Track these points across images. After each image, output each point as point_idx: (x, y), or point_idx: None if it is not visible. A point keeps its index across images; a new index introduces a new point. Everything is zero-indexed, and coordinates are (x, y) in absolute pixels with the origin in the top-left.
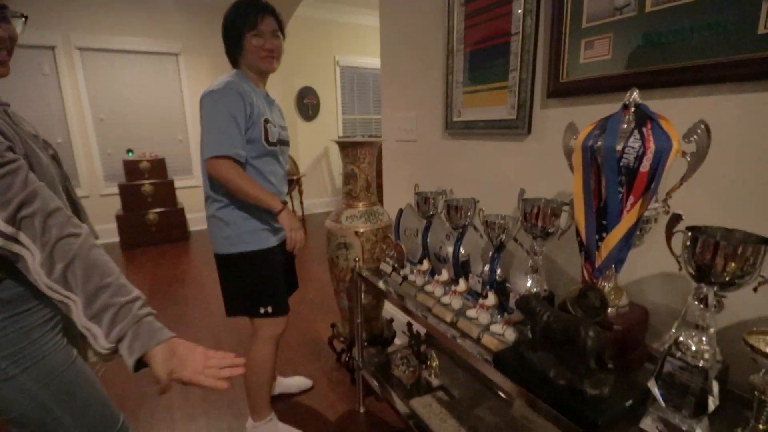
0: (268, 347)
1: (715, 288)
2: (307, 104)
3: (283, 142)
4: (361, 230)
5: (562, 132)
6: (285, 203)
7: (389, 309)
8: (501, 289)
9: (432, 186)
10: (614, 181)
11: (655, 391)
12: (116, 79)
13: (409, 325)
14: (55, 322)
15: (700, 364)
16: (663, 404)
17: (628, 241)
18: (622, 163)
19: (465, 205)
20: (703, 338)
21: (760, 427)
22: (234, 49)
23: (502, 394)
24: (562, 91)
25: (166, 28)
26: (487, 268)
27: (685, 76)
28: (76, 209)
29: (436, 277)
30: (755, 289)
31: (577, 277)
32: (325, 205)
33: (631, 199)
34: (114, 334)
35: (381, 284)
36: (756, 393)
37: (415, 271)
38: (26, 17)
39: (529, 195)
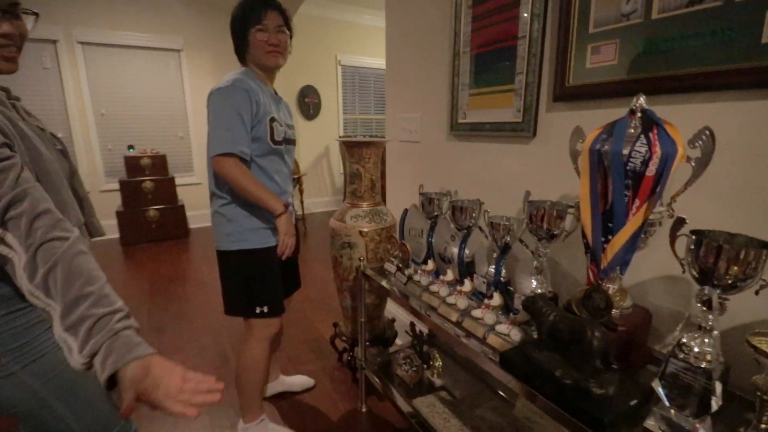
0: (260, 347)
1: (718, 291)
2: (309, 103)
3: (289, 141)
4: (366, 230)
5: (567, 135)
6: (287, 206)
7: (391, 309)
8: (505, 289)
9: (436, 187)
10: (620, 185)
11: (660, 390)
12: (118, 74)
13: (412, 325)
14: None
15: (703, 365)
16: (667, 404)
17: (633, 244)
18: (628, 167)
19: (470, 206)
20: (706, 340)
21: (762, 426)
22: (241, 46)
23: (505, 395)
24: (568, 95)
25: (169, 24)
26: (491, 268)
27: (689, 83)
28: (81, 205)
29: (441, 277)
30: (757, 292)
31: (580, 279)
32: (326, 204)
33: (637, 202)
34: (88, 348)
35: (385, 283)
36: (758, 393)
37: (419, 271)
38: (37, 14)
39: (534, 197)
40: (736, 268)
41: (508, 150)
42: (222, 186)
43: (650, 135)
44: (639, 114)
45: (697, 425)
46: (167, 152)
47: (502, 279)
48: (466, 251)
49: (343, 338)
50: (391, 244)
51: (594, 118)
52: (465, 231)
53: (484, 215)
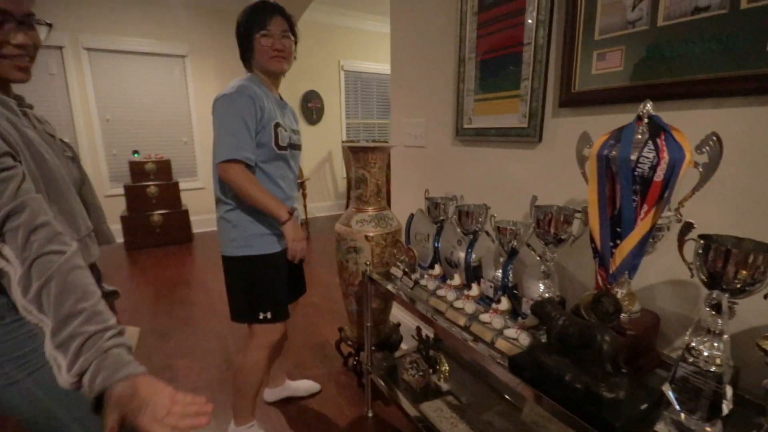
0: (261, 354)
1: (727, 295)
2: (312, 108)
3: (295, 146)
4: (371, 234)
5: (573, 140)
6: (292, 212)
7: (396, 313)
8: (512, 294)
9: (441, 191)
10: (629, 190)
11: (670, 394)
12: (123, 80)
13: (419, 329)
14: None
15: (713, 369)
16: (677, 408)
17: (642, 249)
18: (636, 173)
19: (476, 210)
20: (715, 344)
21: None
22: (246, 51)
23: (512, 399)
24: (573, 100)
25: (174, 31)
26: (498, 273)
27: (695, 89)
28: (91, 212)
29: (448, 281)
30: (766, 296)
31: (587, 283)
32: (329, 208)
33: (645, 207)
34: (77, 367)
35: (392, 288)
36: None
37: (426, 275)
38: (51, 25)
39: (540, 202)
40: (744, 272)
41: (513, 155)
42: (227, 192)
43: (658, 141)
44: (646, 120)
45: (708, 429)
46: (171, 157)
47: (509, 283)
48: (473, 256)
49: (349, 343)
50: (398, 249)
51: (600, 124)
52: (471, 235)
53: (491, 220)
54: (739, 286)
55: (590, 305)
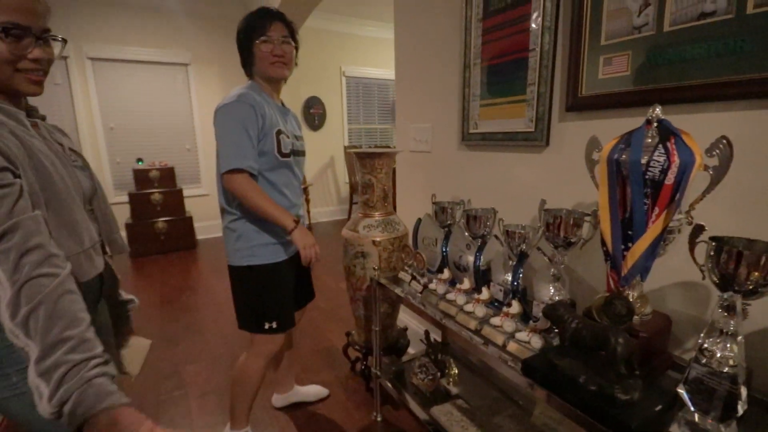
0: (260, 362)
1: (739, 296)
2: (314, 114)
3: (298, 153)
4: (379, 239)
5: (580, 144)
6: (298, 220)
7: (403, 318)
8: (522, 297)
9: (447, 196)
10: (640, 194)
11: (684, 395)
12: (127, 88)
13: (427, 333)
14: None
15: (726, 370)
16: (692, 408)
17: (653, 251)
18: (647, 176)
19: (484, 215)
20: (728, 344)
21: None
22: (246, 58)
23: (522, 402)
24: (580, 105)
25: (176, 39)
26: (508, 276)
27: (702, 93)
28: (102, 223)
29: (458, 285)
30: None
31: (596, 286)
32: (331, 213)
33: (656, 210)
34: (58, 397)
35: (400, 292)
36: None
37: (435, 280)
38: (65, 41)
39: (548, 205)
40: (756, 273)
41: (520, 159)
42: (231, 201)
43: (668, 144)
44: (655, 124)
45: (723, 430)
46: (175, 164)
47: (519, 287)
48: (482, 260)
49: (356, 347)
50: (406, 254)
51: (607, 128)
52: (480, 239)
53: (499, 224)
54: (751, 287)
55: (602, 308)
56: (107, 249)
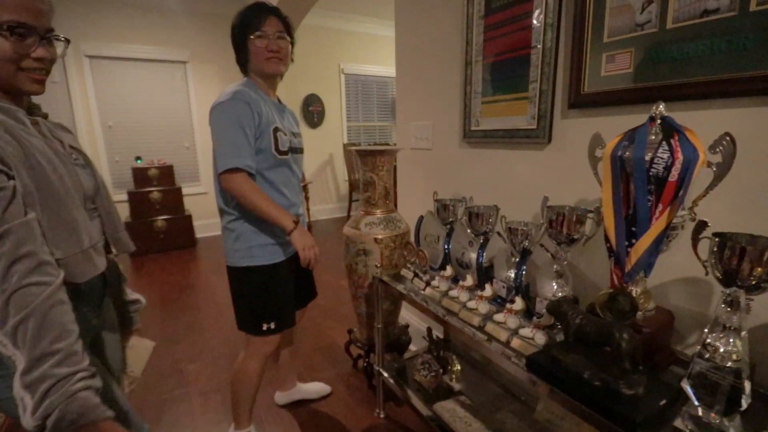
0: (256, 363)
1: (742, 291)
2: (313, 111)
3: (296, 150)
4: (380, 237)
5: (582, 141)
6: (297, 220)
7: (404, 315)
8: (525, 294)
9: (449, 193)
10: (644, 190)
11: (688, 390)
12: (125, 86)
13: (429, 330)
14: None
15: (730, 365)
16: (696, 403)
17: (657, 247)
18: (651, 173)
19: (487, 212)
20: (731, 339)
21: None
22: (241, 55)
23: (524, 398)
24: (583, 102)
25: (175, 37)
26: (511, 273)
27: (705, 90)
28: (104, 221)
29: (461, 282)
30: None
31: (599, 282)
32: (331, 211)
33: (660, 206)
34: (42, 410)
35: (403, 290)
36: None
37: (437, 277)
38: (69, 41)
39: (550, 202)
40: (759, 269)
41: (522, 156)
42: (229, 202)
43: (672, 141)
44: (659, 121)
45: (727, 423)
46: (174, 162)
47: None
48: (484, 256)
49: (358, 345)
50: (408, 251)
51: (609, 125)
52: (482, 236)
53: (501, 221)
54: (754, 282)
55: (606, 303)
56: (112, 248)
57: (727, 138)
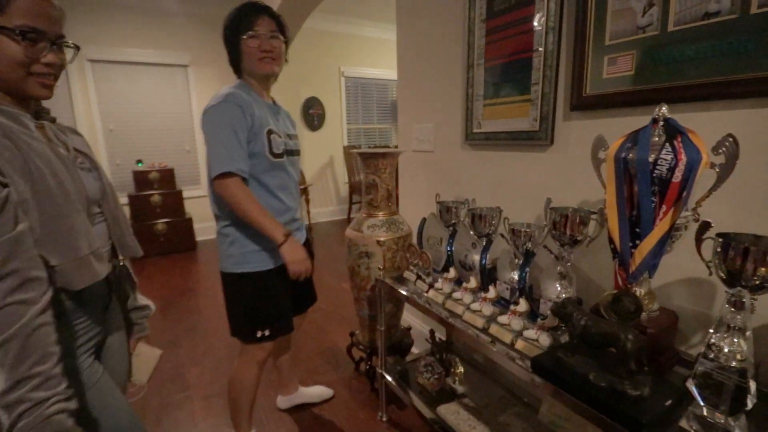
0: (252, 370)
1: (746, 291)
2: (313, 114)
3: (292, 152)
4: (383, 239)
5: (585, 143)
6: (289, 233)
7: (406, 317)
8: (529, 295)
9: (451, 195)
10: (647, 191)
11: (694, 390)
12: (126, 90)
13: (432, 332)
14: (80, 343)
15: (734, 365)
16: (702, 403)
17: (661, 248)
18: (654, 174)
19: (489, 214)
20: (735, 339)
21: None
22: (234, 56)
23: (528, 400)
24: (585, 104)
25: (176, 41)
26: (514, 275)
27: (707, 92)
28: (111, 226)
29: (464, 284)
30: None
31: (602, 284)
32: (331, 213)
33: (664, 208)
34: (16, 431)
35: (407, 292)
36: None
37: (440, 279)
38: (78, 48)
39: (553, 204)
40: (763, 269)
41: (525, 158)
42: (223, 207)
43: (675, 143)
44: (662, 123)
45: (732, 423)
46: (174, 166)
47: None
48: (488, 258)
49: (360, 347)
50: (411, 253)
51: (611, 127)
52: (486, 238)
53: (504, 222)
54: (758, 282)
55: (611, 305)
56: (119, 253)
57: (730, 139)
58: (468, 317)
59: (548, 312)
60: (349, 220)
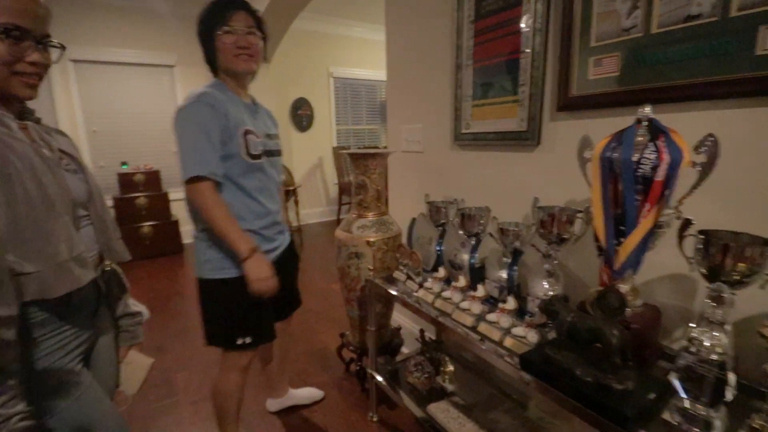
0: (234, 377)
1: (726, 287)
2: (302, 115)
3: (272, 153)
4: (373, 239)
5: (571, 143)
6: (255, 248)
7: (396, 317)
8: (518, 293)
9: (440, 195)
10: (631, 190)
11: (676, 383)
12: (110, 91)
13: (422, 332)
14: (68, 350)
15: (715, 358)
16: (683, 395)
17: (645, 245)
18: (638, 173)
19: (478, 213)
20: (716, 333)
21: None
22: (209, 53)
23: (516, 397)
24: (571, 105)
25: (162, 41)
26: (502, 273)
27: (689, 93)
28: (97, 229)
29: (453, 283)
30: (762, 287)
31: (588, 281)
32: (321, 214)
33: (647, 206)
34: None
35: (397, 292)
36: None
37: (430, 278)
38: (64, 48)
39: (541, 203)
40: (742, 264)
41: (512, 158)
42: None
43: (658, 142)
44: (645, 123)
45: (713, 414)
46: (160, 168)
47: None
48: (476, 257)
49: (351, 348)
50: (401, 253)
51: (597, 127)
52: (475, 238)
53: (493, 222)
54: (737, 277)
55: (596, 301)
56: (105, 257)
57: (711, 139)
58: (457, 316)
59: (536, 309)
60: (338, 221)
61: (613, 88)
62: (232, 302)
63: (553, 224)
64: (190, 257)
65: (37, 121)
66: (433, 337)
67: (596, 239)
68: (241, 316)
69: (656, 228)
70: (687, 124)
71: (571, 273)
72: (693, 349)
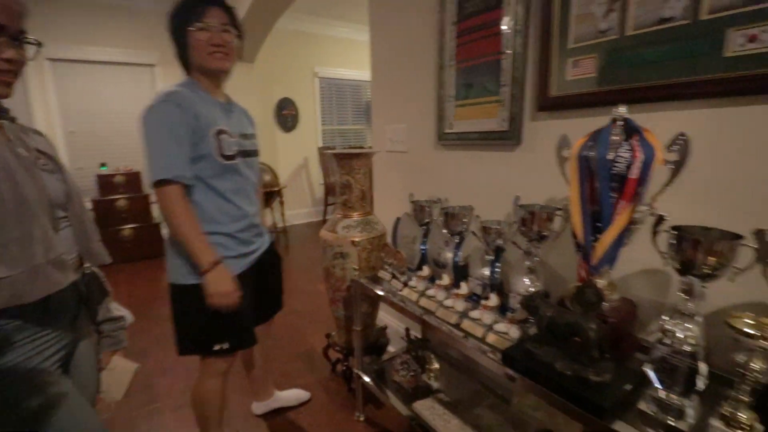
0: (214, 383)
1: (697, 280)
2: (287, 115)
3: (247, 153)
4: (358, 239)
5: (551, 142)
6: (218, 261)
7: (382, 316)
8: (500, 290)
9: (424, 195)
10: (607, 188)
11: (651, 374)
12: (89, 90)
13: (408, 330)
14: (46, 355)
15: (687, 348)
16: (658, 386)
17: (620, 241)
18: (613, 171)
19: (462, 212)
20: (688, 325)
21: (742, 398)
22: (181, 50)
23: (500, 392)
24: (551, 105)
25: (142, 39)
26: (485, 271)
27: (662, 93)
28: (76, 231)
29: (437, 281)
30: (731, 280)
31: (567, 277)
32: (306, 215)
33: (623, 203)
34: None
35: (382, 291)
36: (738, 369)
37: (415, 277)
38: (40, 44)
39: (522, 201)
40: (712, 258)
41: (494, 157)
42: None
43: (632, 141)
44: (620, 122)
45: (686, 403)
46: (141, 169)
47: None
48: (460, 255)
49: (337, 348)
50: (385, 252)
51: (576, 126)
52: (458, 236)
53: (476, 220)
54: (708, 271)
55: (575, 296)
56: (84, 260)
57: (683, 137)
58: (441, 313)
59: (518, 305)
60: (324, 221)
61: (590, 89)
62: (207, 307)
63: (533, 222)
64: None
65: (13, 120)
66: (419, 336)
67: (574, 236)
68: (218, 321)
69: (631, 224)
70: (660, 124)
71: (552, 269)
72: (667, 341)
